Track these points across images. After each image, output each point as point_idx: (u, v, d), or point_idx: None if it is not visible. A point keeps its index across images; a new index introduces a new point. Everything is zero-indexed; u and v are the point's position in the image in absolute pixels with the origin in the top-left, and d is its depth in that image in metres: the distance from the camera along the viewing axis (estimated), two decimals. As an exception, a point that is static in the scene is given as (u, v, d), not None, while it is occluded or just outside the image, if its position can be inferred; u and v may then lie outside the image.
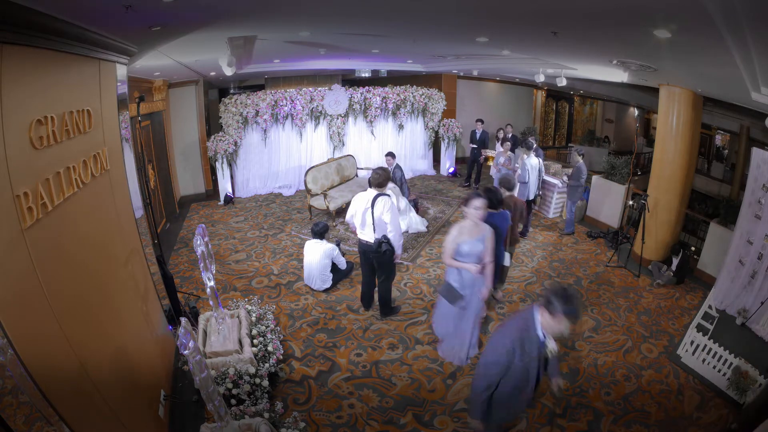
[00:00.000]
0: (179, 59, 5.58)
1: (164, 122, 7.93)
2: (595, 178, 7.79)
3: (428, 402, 3.64)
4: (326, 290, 5.35)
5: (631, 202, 7.06)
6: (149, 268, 3.78)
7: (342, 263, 5.46)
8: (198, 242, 3.68)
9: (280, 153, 9.37)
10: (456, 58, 8.06)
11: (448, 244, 3.66)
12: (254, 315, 4.30)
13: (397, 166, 7.50)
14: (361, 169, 9.27)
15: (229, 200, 8.77)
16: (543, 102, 13.96)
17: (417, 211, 7.59)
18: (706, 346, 3.92)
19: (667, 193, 5.93)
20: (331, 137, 9.61)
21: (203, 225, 3.89)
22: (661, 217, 5.99)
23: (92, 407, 2.21)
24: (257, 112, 8.80)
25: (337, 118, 9.49)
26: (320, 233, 5.29)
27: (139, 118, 5.08)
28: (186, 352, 2.49)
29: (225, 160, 8.66)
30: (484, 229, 3.66)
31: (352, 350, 4.28)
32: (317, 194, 7.70)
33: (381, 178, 4.33)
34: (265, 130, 9.06)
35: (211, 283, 3.88)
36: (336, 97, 9.33)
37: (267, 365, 3.69)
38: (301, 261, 5.80)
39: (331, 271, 5.37)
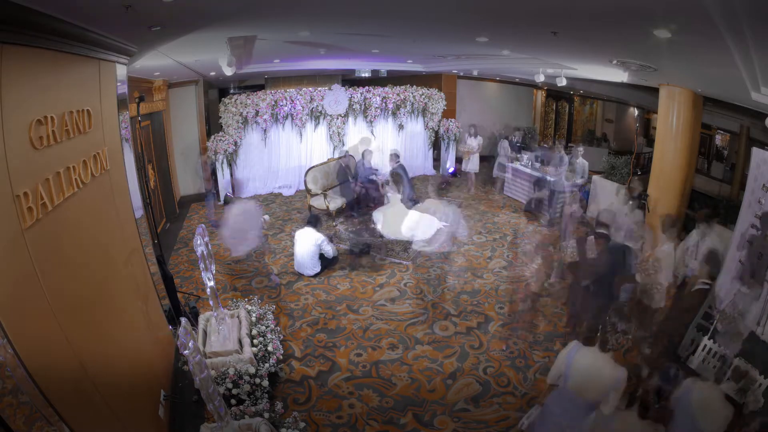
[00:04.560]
0: (179, 59, 5.57)
1: (164, 122, 7.93)
2: (595, 177, 7.78)
3: (428, 402, 3.64)
4: (316, 275, 5.67)
5: (631, 202, 7.04)
6: (149, 268, 3.78)
7: (328, 252, 5.72)
8: (198, 242, 3.68)
9: (280, 153, 9.36)
10: (456, 58, 8.06)
11: None
12: (254, 315, 4.30)
13: (401, 166, 7.53)
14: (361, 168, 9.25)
15: (229, 200, 8.76)
16: (543, 102, 13.94)
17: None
18: (706, 346, 3.92)
19: (667, 193, 5.92)
20: (331, 137, 9.60)
21: (203, 225, 3.89)
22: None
23: (92, 407, 2.21)
24: (257, 112, 8.79)
25: (337, 118, 9.49)
26: (311, 222, 5.72)
27: (139, 118, 5.08)
28: (186, 352, 2.49)
29: (225, 160, 8.66)
30: None
31: (352, 350, 4.28)
32: (317, 194, 7.70)
33: None
34: (265, 130, 9.05)
35: (211, 283, 3.88)
36: (336, 97, 9.32)
37: (267, 365, 3.68)
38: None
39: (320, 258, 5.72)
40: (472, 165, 9.40)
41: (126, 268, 3.20)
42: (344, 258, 6.11)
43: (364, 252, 6.27)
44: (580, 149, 8.22)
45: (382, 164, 9.69)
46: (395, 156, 8.09)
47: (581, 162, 7.96)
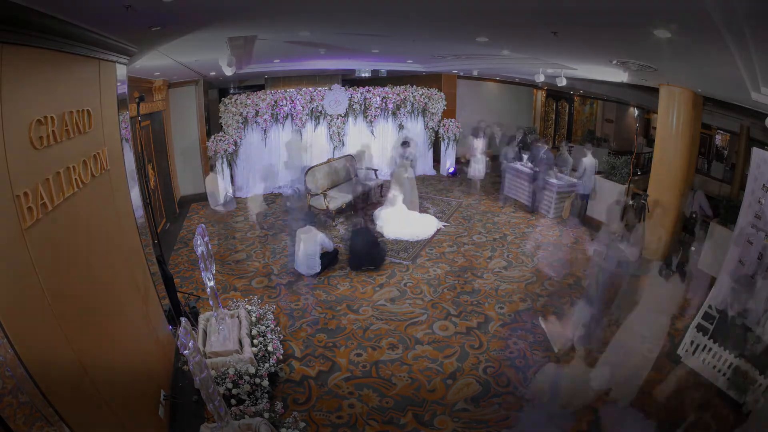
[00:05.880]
0: (179, 59, 5.57)
1: (164, 122, 7.93)
2: (595, 177, 7.78)
3: (428, 402, 3.64)
4: (316, 275, 5.67)
5: (631, 202, 7.05)
6: (149, 268, 3.78)
7: (329, 247, 5.81)
8: (198, 242, 3.68)
9: (280, 153, 9.36)
10: (456, 58, 8.06)
11: None
12: (254, 315, 4.30)
13: (401, 167, 7.57)
14: (361, 169, 9.26)
15: (229, 200, 8.76)
16: (543, 102, 13.94)
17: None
18: (706, 346, 3.92)
19: (667, 193, 5.93)
20: (331, 137, 9.60)
21: (203, 225, 3.89)
22: (661, 216, 5.99)
23: (92, 407, 2.21)
24: (257, 112, 8.80)
25: (337, 118, 9.49)
26: (308, 220, 5.83)
27: (139, 118, 5.08)
28: (186, 352, 2.49)
29: (225, 160, 8.66)
30: None
31: (352, 350, 4.28)
32: (317, 194, 7.70)
33: None
34: (265, 130, 9.06)
35: (211, 283, 3.88)
36: (336, 97, 9.33)
37: (267, 365, 3.69)
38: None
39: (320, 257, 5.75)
40: (477, 170, 9.19)
41: (126, 268, 3.20)
42: (344, 258, 6.11)
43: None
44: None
45: (382, 165, 9.73)
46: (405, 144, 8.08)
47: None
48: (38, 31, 1.97)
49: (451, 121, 10.45)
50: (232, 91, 12.02)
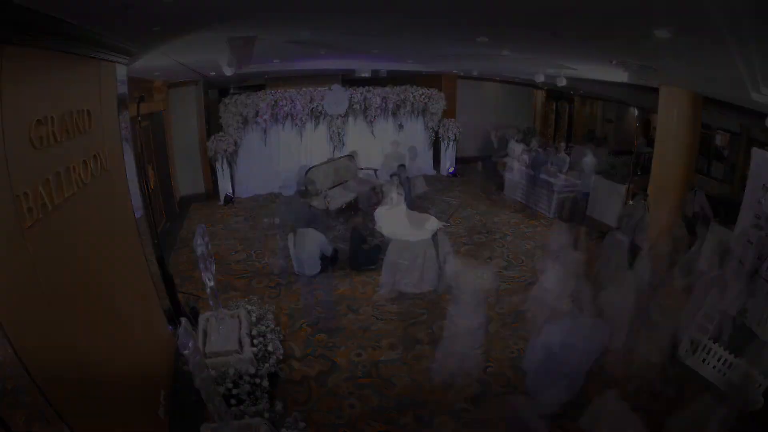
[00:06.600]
0: (179, 59, 5.57)
1: (164, 122, 7.93)
2: (595, 177, 7.79)
3: (428, 402, 3.64)
4: (316, 275, 5.62)
5: (631, 202, 7.04)
6: (149, 268, 3.78)
7: (327, 250, 5.72)
8: (198, 242, 3.68)
9: (280, 153, 9.36)
10: (456, 58, 8.06)
11: None
12: (254, 315, 4.30)
13: (403, 167, 7.58)
14: (362, 169, 9.26)
15: (229, 200, 8.76)
16: (543, 102, 13.94)
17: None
18: (706, 346, 3.92)
19: (667, 193, 5.92)
20: (331, 137, 9.60)
21: (203, 225, 3.89)
22: (661, 216, 5.99)
23: (92, 407, 2.21)
24: (257, 112, 8.80)
25: (337, 118, 9.49)
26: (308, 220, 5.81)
27: (139, 118, 5.08)
28: (186, 352, 2.49)
29: (225, 160, 8.66)
30: None
31: (352, 350, 4.28)
32: (317, 194, 7.70)
33: None
34: (265, 130, 9.06)
35: (211, 283, 3.88)
36: (336, 97, 9.32)
37: (267, 365, 3.69)
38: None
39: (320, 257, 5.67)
40: None
41: (126, 268, 3.20)
42: (344, 258, 6.11)
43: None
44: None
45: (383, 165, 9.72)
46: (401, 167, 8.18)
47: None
48: (38, 31, 1.97)
49: (451, 121, 10.45)
50: (232, 91, 12.00)
